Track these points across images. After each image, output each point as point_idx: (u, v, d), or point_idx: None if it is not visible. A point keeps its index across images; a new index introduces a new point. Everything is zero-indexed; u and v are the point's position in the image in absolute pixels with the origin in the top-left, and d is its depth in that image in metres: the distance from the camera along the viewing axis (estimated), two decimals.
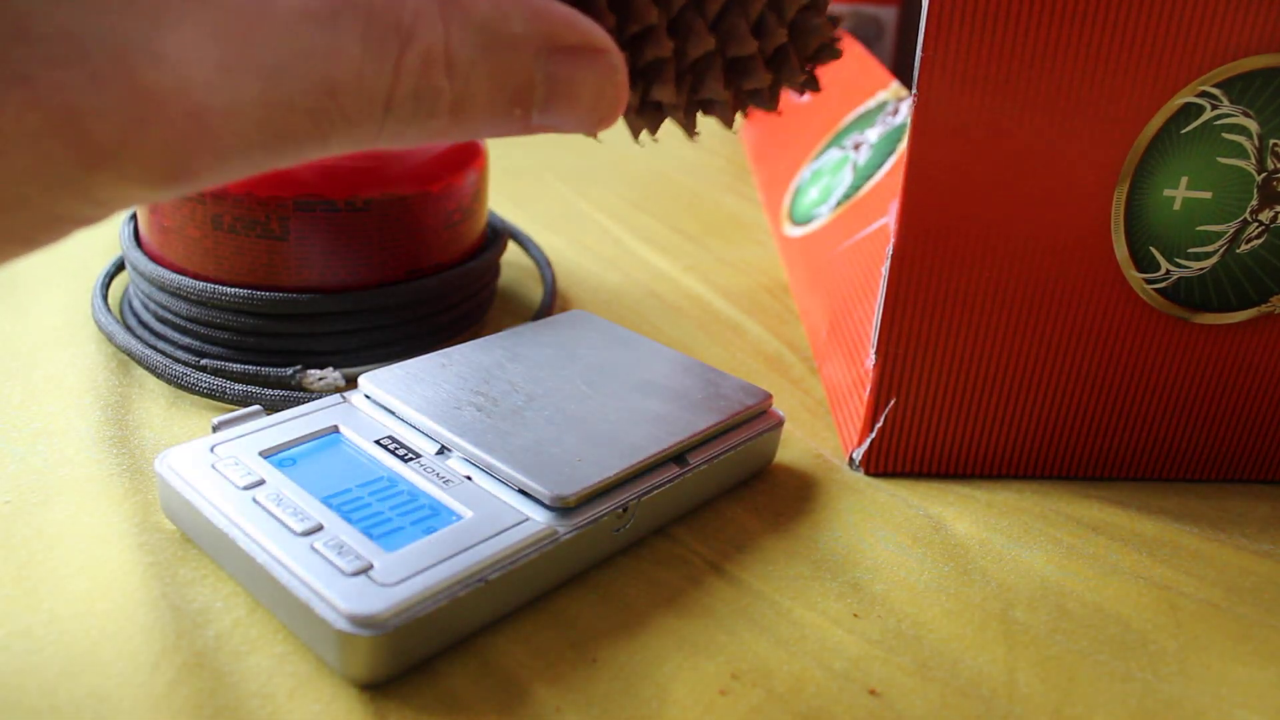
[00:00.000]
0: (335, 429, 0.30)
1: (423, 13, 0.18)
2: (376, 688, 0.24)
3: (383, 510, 0.27)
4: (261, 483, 0.27)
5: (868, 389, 0.33)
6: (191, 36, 0.16)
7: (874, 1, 0.69)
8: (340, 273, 0.36)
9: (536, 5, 0.19)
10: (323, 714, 0.23)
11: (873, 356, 0.32)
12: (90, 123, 0.15)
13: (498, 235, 0.43)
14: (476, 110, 0.19)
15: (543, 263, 0.47)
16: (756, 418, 0.33)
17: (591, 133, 0.21)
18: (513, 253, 0.50)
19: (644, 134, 0.24)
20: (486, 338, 0.35)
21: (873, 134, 0.50)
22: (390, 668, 0.24)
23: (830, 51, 0.25)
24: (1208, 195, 0.30)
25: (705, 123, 0.77)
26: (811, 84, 0.25)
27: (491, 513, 0.27)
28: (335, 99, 0.17)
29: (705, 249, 0.53)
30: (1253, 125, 0.29)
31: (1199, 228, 0.31)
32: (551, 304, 0.44)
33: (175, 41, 0.16)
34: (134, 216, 0.40)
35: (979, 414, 0.33)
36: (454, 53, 0.18)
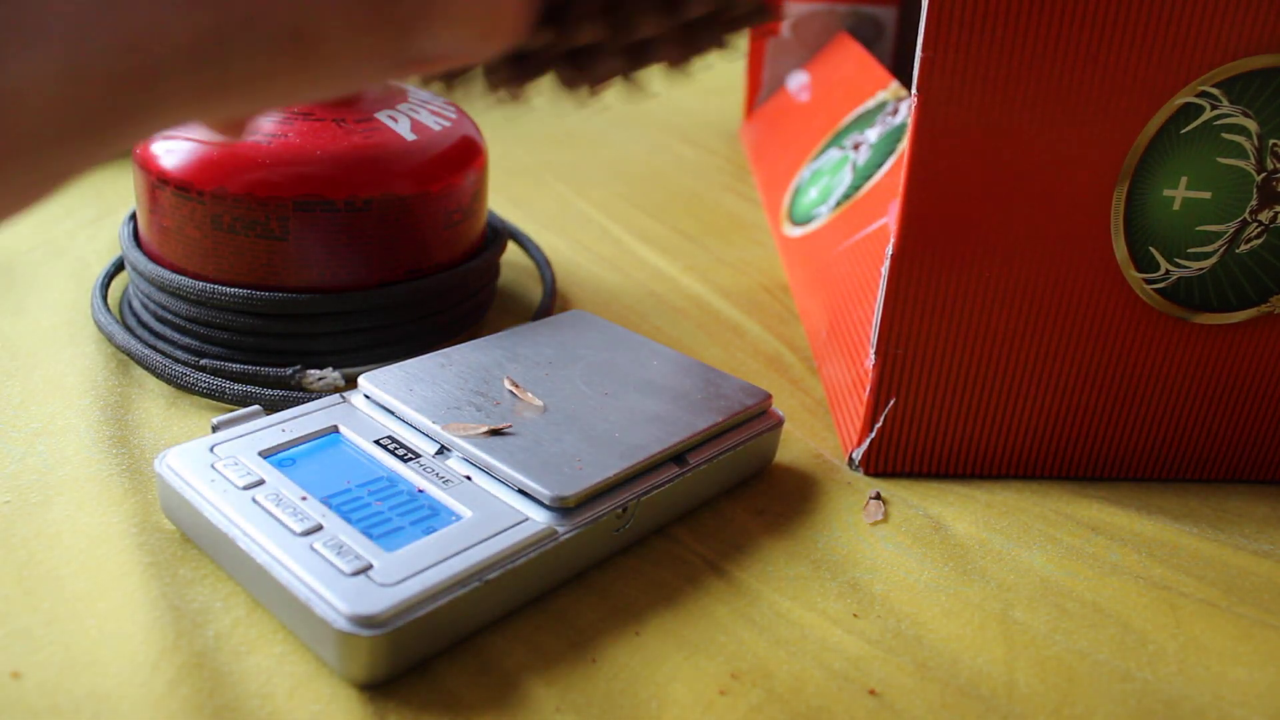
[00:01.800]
0: (335, 429, 0.30)
1: None
2: (376, 687, 0.24)
3: (382, 510, 0.27)
4: (261, 483, 0.27)
5: (867, 389, 0.33)
6: None
7: (873, 2, 0.69)
8: (340, 273, 0.36)
9: None
10: (322, 714, 0.23)
11: (872, 356, 0.32)
12: None
13: (497, 235, 0.43)
14: (329, 18, 0.16)
15: (542, 263, 0.47)
16: (756, 418, 0.33)
17: (484, 48, 0.18)
18: (512, 253, 0.50)
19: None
20: (486, 338, 0.35)
21: (872, 134, 0.50)
22: (390, 667, 0.24)
23: None
24: (1207, 195, 0.30)
25: (706, 122, 0.77)
26: (761, 13, 0.22)
27: (491, 513, 0.27)
28: (136, 53, 0.14)
29: (705, 249, 0.53)
30: (1252, 125, 0.29)
31: (1199, 228, 0.31)
32: (551, 304, 0.44)
33: None
34: (133, 216, 0.40)
35: (978, 414, 0.33)
36: None
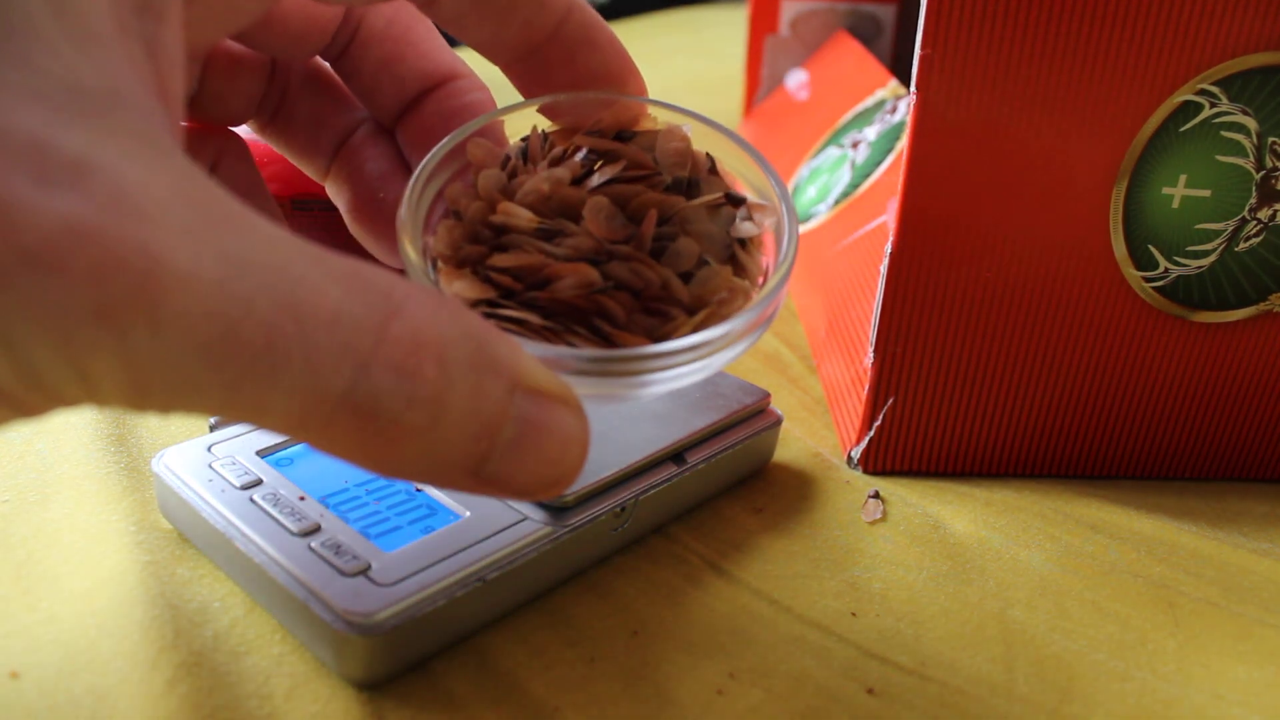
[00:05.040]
0: None
1: (414, 295, 0.17)
2: (374, 688, 0.24)
3: (380, 510, 0.27)
4: (259, 482, 0.27)
5: (866, 387, 0.33)
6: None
7: (872, 0, 0.69)
8: None
9: (513, 344, 0.18)
10: (321, 714, 0.23)
11: (871, 355, 0.32)
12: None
13: None
14: (450, 420, 0.17)
15: None
16: (754, 416, 0.32)
17: (537, 495, 0.19)
18: None
19: None
20: None
21: (871, 132, 0.50)
22: (388, 668, 0.24)
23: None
24: (1206, 193, 0.30)
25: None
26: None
27: (489, 512, 0.27)
28: (301, 326, 0.15)
29: None
30: (1251, 123, 0.29)
31: (1198, 226, 0.31)
32: None
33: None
34: None
35: (977, 412, 0.33)
36: (443, 345, 0.17)
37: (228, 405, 0.15)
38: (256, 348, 0.15)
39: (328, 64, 0.27)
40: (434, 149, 0.23)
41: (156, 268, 0.14)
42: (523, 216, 0.22)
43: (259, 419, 0.16)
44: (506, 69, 0.26)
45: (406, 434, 0.16)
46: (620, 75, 0.25)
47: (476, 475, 0.18)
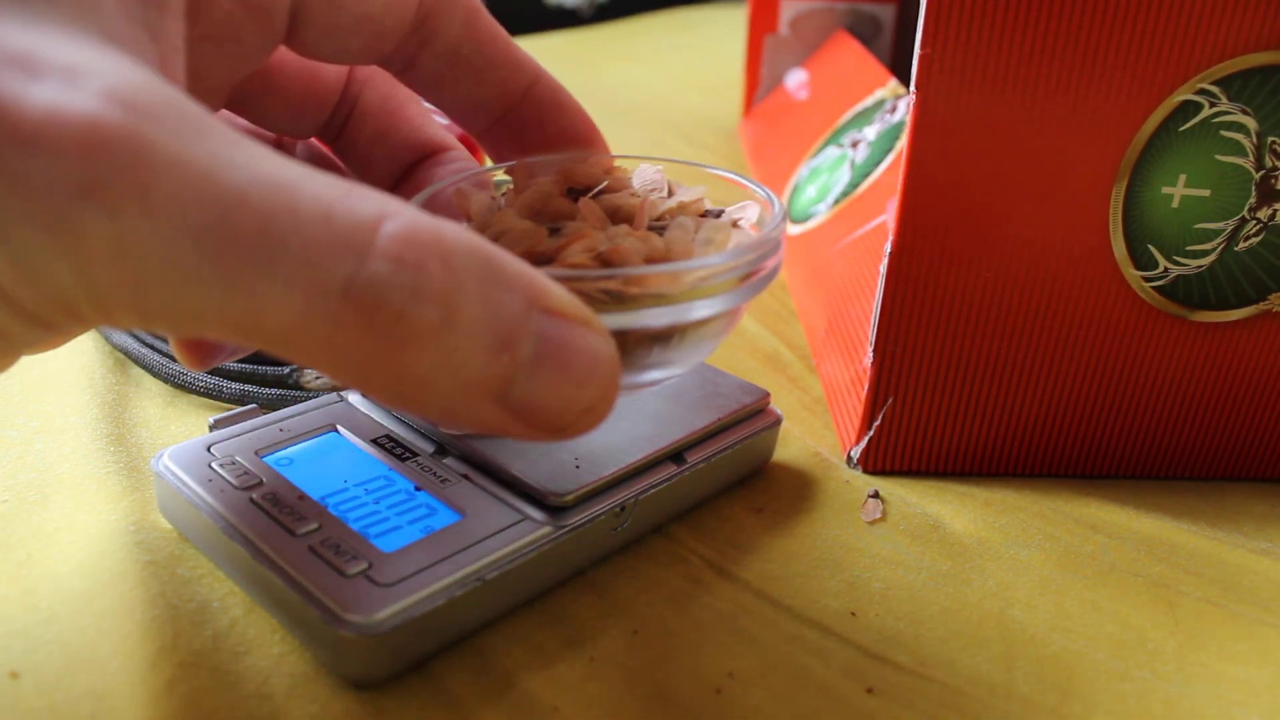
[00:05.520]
0: (333, 428, 0.30)
1: (410, 207, 0.16)
2: (374, 687, 0.24)
3: (380, 510, 0.27)
4: (259, 482, 0.27)
5: (865, 387, 0.33)
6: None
7: None
8: None
9: (525, 265, 0.17)
10: (320, 714, 0.23)
11: (870, 354, 0.32)
12: None
13: None
14: (462, 324, 0.16)
15: None
16: (754, 416, 0.32)
17: (572, 428, 0.18)
18: None
19: None
20: None
21: (870, 132, 0.50)
22: (388, 668, 0.24)
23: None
24: (1206, 193, 0.30)
25: (704, 119, 0.77)
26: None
27: (489, 512, 0.27)
28: (295, 216, 0.15)
29: None
30: (1251, 123, 0.29)
31: (1197, 225, 0.31)
32: None
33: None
34: None
35: (977, 412, 0.33)
36: (447, 248, 0.16)
37: (226, 300, 0.15)
38: (251, 236, 0.15)
39: (325, 146, 0.28)
40: (421, 192, 0.25)
41: (146, 150, 0.14)
42: (519, 222, 0.23)
43: (261, 317, 0.15)
44: (481, 135, 0.27)
45: (418, 337, 0.16)
46: (588, 137, 0.27)
47: (504, 402, 0.17)
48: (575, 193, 0.25)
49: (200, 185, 0.15)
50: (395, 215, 0.16)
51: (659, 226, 0.23)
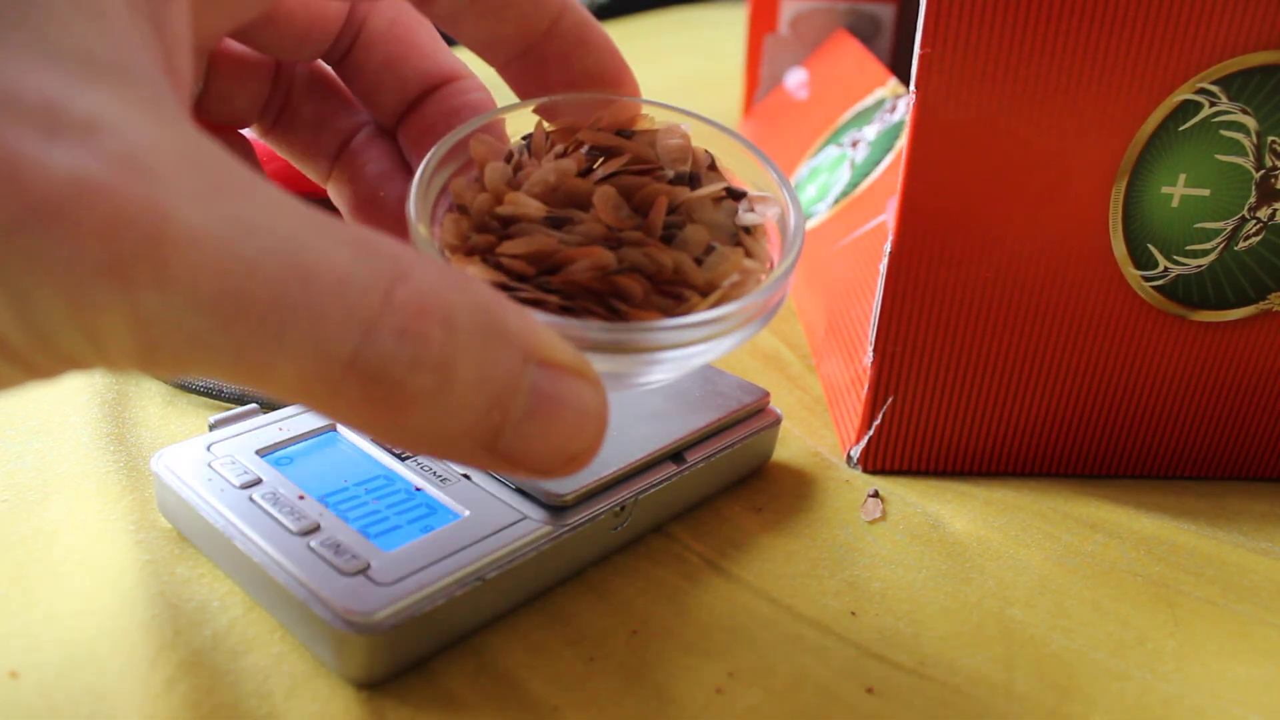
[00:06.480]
0: (332, 427, 0.30)
1: (419, 261, 0.17)
2: (374, 687, 0.24)
3: (380, 509, 0.27)
4: (258, 481, 0.27)
5: (865, 387, 0.33)
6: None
7: None
8: None
9: (526, 315, 0.18)
10: (320, 713, 0.23)
11: (870, 354, 0.32)
12: None
13: None
14: (457, 388, 0.16)
15: None
16: (754, 415, 0.32)
17: (556, 472, 0.18)
18: None
19: None
20: None
21: (870, 131, 0.50)
22: (387, 667, 0.24)
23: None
24: (1206, 192, 0.30)
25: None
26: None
27: (488, 511, 0.27)
28: (307, 288, 0.15)
29: None
30: (1251, 122, 0.29)
31: (1197, 225, 0.31)
32: None
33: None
34: None
35: (976, 411, 0.33)
36: (450, 310, 0.16)
37: (235, 367, 0.15)
38: (263, 308, 0.15)
39: (330, 67, 0.27)
40: (437, 144, 0.23)
41: (166, 225, 0.14)
42: (531, 205, 0.22)
43: (267, 383, 0.16)
44: (502, 69, 0.26)
45: (414, 401, 0.16)
46: (615, 76, 0.25)
47: (491, 450, 0.17)
48: (596, 152, 0.24)
49: (217, 257, 0.15)
50: (406, 278, 0.16)
51: (675, 223, 0.23)
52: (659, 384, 0.23)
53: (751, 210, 0.24)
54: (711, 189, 0.24)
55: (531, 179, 0.23)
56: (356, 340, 0.15)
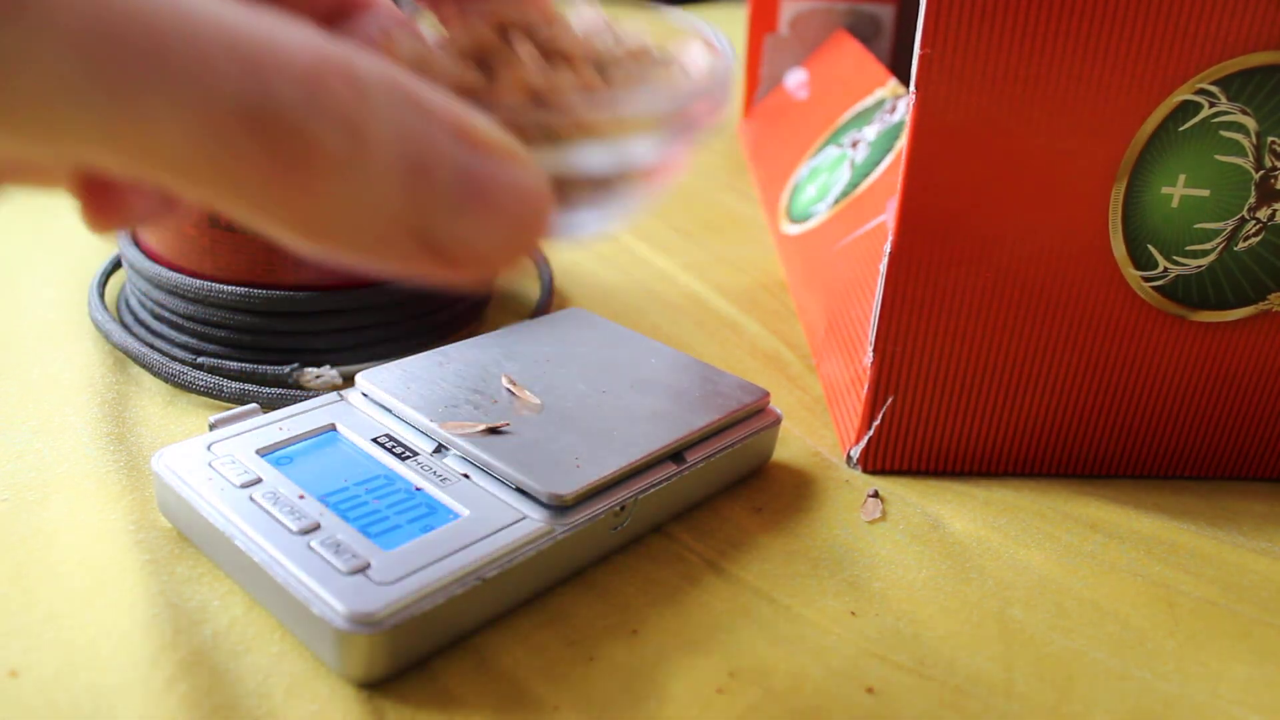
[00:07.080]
0: (332, 427, 0.30)
1: (314, 31, 0.15)
2: (374, 686, 0.24)
3: (380, 508, 0.27)
4: (258, 481, 0.27)
5: (865, 387, 0.33)
6: None
7: None
8: (338, 270, 0.36)
9: (447, 95, 0.16)
10: (320, 712, 0.23)
11: (870, 354, 0.32)
12: None
13: None
14: (372, 148, 0.15)
15: (540, 260, 0.47)
16: (754, 416, 0.32)
17: (499, 266, 0.16)
18: None
19: None
20: (484, 335, 0.35)
21: (870, 131, 0.50)
22: (387, 666, 0.24)
23: None
24: (1205, 193, 0.30)
25: None
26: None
27: (488, 511, 0.27)
28: (191, 32, 0.13)
29: (703, 247, 0.53)
30: (1250, 123, 0.29)
31: (1197, 225, 0.31)
32: (549, 302, 0.44)
33: None
34: None
35: (976, 412, 0.33)
36: (360, 73, 0.15)
37: (114, 119, 0.14)
38: (138, 49, 0.13)
39: None
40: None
41: None
42: (447, 59, 0.21)
43: (148, 138, 0.14)
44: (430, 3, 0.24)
45: (322, 160, 0.14)
46: None
47: (425, 241, 0.15)
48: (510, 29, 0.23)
49: None
50: (305, 43, 0.14)
51: (599, 71, 0.22)
52: (598, 222, 0.22)
53: (679, 64, 0.23)
54: (636, 43, 0.23)
55: (448, 45, 0.21)
56: (250, 84, 0.14)
